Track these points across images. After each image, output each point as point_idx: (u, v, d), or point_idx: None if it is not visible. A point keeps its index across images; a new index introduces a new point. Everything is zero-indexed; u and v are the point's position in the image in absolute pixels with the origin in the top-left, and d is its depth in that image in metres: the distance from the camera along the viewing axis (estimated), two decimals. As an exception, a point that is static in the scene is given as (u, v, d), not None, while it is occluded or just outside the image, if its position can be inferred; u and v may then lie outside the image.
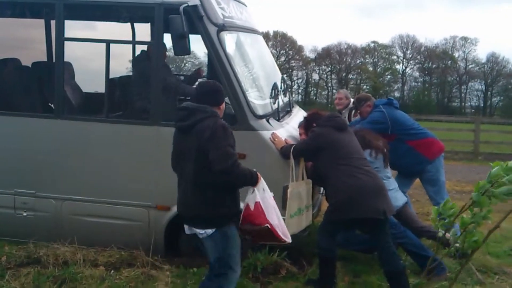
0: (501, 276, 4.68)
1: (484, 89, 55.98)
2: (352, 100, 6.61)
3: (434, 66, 57.16)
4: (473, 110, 53.52)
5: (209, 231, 3.30)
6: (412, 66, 58.60)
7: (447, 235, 4.99)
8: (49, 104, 5.60)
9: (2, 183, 4.99)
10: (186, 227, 3.50)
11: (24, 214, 4.97)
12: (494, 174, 3.49)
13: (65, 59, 4.95)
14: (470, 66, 57.09)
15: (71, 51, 5.07)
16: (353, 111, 6.30)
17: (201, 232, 3.33)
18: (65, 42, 4.80)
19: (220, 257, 3.35)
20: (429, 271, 4.49)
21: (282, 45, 55.69)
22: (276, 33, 54.96)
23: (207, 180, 3.22)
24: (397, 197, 4.78)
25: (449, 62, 57.02)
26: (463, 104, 56.59)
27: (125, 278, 4.29)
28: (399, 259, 4.15)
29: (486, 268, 4.83)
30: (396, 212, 4.70)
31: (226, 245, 3.33)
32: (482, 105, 55.94)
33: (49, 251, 4.62)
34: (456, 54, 57.57)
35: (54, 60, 5.07)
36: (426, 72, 57.43)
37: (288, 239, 3.51)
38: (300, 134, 4.75)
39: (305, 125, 4.65)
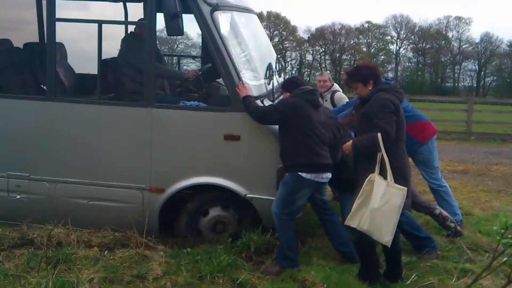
0: (491, 254, 4.75)
1: (477, 69, 56.01)
2: (334, 83, 6.67)
3: (428, 46, 56.99)
4: (465, 90, 53.57)
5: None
6: (406, 46, 58.43)
7: (444, 212, 5.10)
8: (42, 85, 5.55)
9: (-5, 166, 4.97)
10: (325, 175, 4.29)
11: (18, 196, 4.97)
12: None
13: (58, 40, 4.90)
14: (464, 46, 57.00)
15: (63, 32, 5.01)
16: (336, 93, 6.37)
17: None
18: (57, 22, 4.74)
19: None
20: (419, 249, 4.58)
21: (275, 25, 55.24)
22: (269, 14, 54.48)
23: None
24: None
25: (443, 42, 56.85)
26: (456, 84, 56.63)
27: (119, 258, 4.31)
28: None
29: (477, 246, 4.91)
30: None
31: None
32: (475, 85, 56.02)
33: (43, 233, 4.63)
34: (450, 34, 57.42)
35: (46, 41, 5.01)
36: (420, 52, 57.27)
37: None
38: None
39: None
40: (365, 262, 4.08)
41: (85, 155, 4.82)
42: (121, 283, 3.88)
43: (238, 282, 3.91)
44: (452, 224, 5.10)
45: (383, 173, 3.74)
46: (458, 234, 5.08)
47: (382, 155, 3.72)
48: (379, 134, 3.71)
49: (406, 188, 3.72)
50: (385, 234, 3.72)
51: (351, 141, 3.95)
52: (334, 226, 4.58)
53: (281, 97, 4.82)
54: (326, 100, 6.26)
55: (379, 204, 3.67)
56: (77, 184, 4.85)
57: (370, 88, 3.96)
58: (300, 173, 4.24)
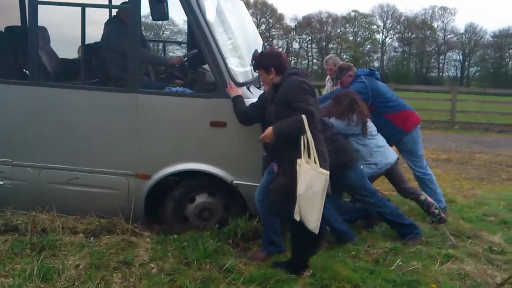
0: (474, 240, 4.83)
1: (461, 59, 56.52)
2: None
3: (413, 36, 57.33)
4: (449, 80, 54.05)
5: None
6: (392, 36, 58.73)
7: (428, 199, 5.18)
8: (24, 70, 5.45)
9: (-23, 151, 4.89)
10: None
11: (1, 182, 4.90)
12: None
13: (40, 24, 4.81)
14: (449, 36, 57.49)
15: (45, 16, 4.92)
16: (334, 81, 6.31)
17: None
18: (39, 5, 4.65)
19: None
20: (404, 236, 4.63)
21: (262, 13, 55.05)
22: (256, 1, 54.21)
23: None
24: (389, 154, 4.98)
25: (428, 32, 57.20)
26: (441, 74, 57.15)
27: (105, 244, 4.29)
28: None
29: (460, 233, 4.98)
30: (388, 169, 4.92)
31: None
32: (459, 75, 56.55)
33: (27, 219, 4.59)
34: (435, 24, 57.79)
35: (28, 25, 4.91)
36: (406, 42, 57.60)
37: None
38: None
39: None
40: (299, 253, 3.95)
41: (69, 140, 4.77)
42: (107, 269, 3.86)
43: (225, 268, 3.91)
44: (436, 211, 5.16)
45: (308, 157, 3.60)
46: (442, 221, 5.15)
47: (307, 138, 3.56)
48: (303, 116, 3.56)
49: (328, 172, 3.59)
50: (311, 221, 3.60)
51: (271, 128, 3.70)
52: (327, 210, 4.56)
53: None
54: (336, 85, 6.19)
55: (304, 190, 3.54)
56: (62, 170, 4.80)
57: (272, 76, 3.86)
58: None
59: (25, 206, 4.76)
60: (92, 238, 4.45)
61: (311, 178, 3.54)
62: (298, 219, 3.62)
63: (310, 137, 3.57)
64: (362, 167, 4.75)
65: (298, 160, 3.57)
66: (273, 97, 3.85)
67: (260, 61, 3.96)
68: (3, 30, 5.70)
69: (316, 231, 3.64)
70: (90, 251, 4.10)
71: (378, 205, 4.72)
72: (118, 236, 4.38)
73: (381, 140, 5.03)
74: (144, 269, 3.87)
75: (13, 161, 4.86)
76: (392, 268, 4.06)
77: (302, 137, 3.57)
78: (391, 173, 5.07)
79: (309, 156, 3.58)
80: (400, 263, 4.14)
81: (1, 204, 4.82)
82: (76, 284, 3.60)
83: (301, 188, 3.55)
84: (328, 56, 7.21)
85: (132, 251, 4.15)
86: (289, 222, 3.85)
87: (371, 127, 4.99)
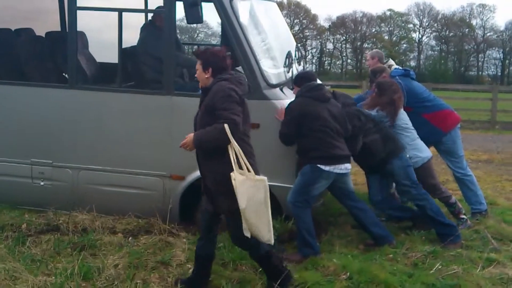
0: (517, 244, 4.67)
1: (502, 57, 54.77)
2: (389, 59, 6.48)
3: (451, 34, 55.91)
4: (489, 79, 52.54)
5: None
6: (429, 34, 57.40)
7: (459, 204, 5.03)
8: (63, 74, 5.61)
9: (19, 153, 5.06)
10: (343, 166, 4.31)
11: (42, 183, 5.05)
12: None
13: (79, 29, 4.94)
14: (488, 34, 55.72)
15: (84, 21, 5.05)
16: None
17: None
18: (78, 11, 4.78)
19: None
20: (442, 237, 4.52)
21: (296, 14, 54.81)
22: (289, 2, 54.06)
23: None
24: (425, 149, 4.92)
25: (467, 30, 55.67)
26: (480, 73, 55.54)
27: (143, 244, 4.37)
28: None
29: (502, 236, 4.83)
30: (422, 164, 4.83)
31: None
32: (499, 73, 54.83)
33: (68, 219, 4.72)
34: (473, 22, 56.16)
35: (67, 30, 5.05)
36: (443, 40, 56.24)
37: None
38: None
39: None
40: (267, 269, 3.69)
41: (106, 142, 4.88)
42: (145, 269, 3.93)
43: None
44: (465, 217, 5.03)
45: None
46: (466, 227, 4.99)
47: (234, 147, 3.29)
48: (226, 125, 3.26)
49: (265, 178, 3.34)
50: (263, 233, 3.33)
51: (191, 135, 3.46)
52: (365, 214, 4.54)
53: (293, 91, 4.75)
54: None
55: (246, 203, 3.26)
56: (99, 171, 4.91)
57: (207, 76, 3.50)
58: (319, 165, 4.23)
59: (65, 206, 4.89)
60: (130, 238, 4.53)
61: (249, 188, 3.27)
62: (248, 235, 3.37)
63: (236, 146, 3.29)
64: (408, 155, 4.70)
65: (232, 174, 3.28)
66: (201, 101, 3.58)
67: (202, 56, 3.58)
68: (43, 35, 5.89)
69: (271, 241, 3.39)
70: (129, 251, 4.18)
71: (419, 198, 4.65)
72: (155, 236, 4.45)
73: (416, 135, 4.94)
74: (181, 269, 3.91)
75: (53, 162, 5.00)
76: (431, 271, 3.96)
77: (229, 148, 3.30)
78: (425, 169, 4.94)
79: (240, 167, 3.32)
80: (440, 267, 4.04)
81: (43, 205, 4.97)
82: (116, 283, 3.67)
83: (242, 202, 3.26)
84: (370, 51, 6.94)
85: (169, 251, 4.21)
86: (236, 242, 3.63)
87: (406, 120, 4.90)
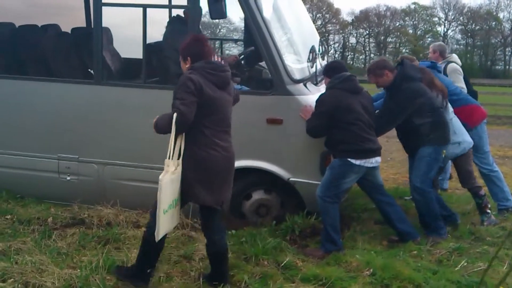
0: (545, 242, 4.57)
1: (530, 51, 53.47)
2: (453, 54, 6.42)
3: (477, 27, 54.73)
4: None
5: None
6: (454, 28, 56.28)
7: (487, 199, 4.96)
8: (89, 69, 5.69)
9: (46, 148, 5.15)
10: (373, 159, 4.27)
11: (68, 178, 5.14)
12: None
13: (104, 25, 4.99)
14: (516, 27, 54.45)
15: (109, 17, 5.10)
16: (449, 64, 6.03)
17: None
18: (103, 7, 4.83)
19: None
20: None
21: (318, 8, 54.35)
22: (312, -4, 53.68)
23: None
24: (467, 135, 4.87)
25: (493, 23, 54.41)
26: (507, 67, 54.29)
27: (166, 239, 4.39)
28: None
29: (530, 234, 4.72)
30: (468, 150, 4.83)
31: None
32: (528, 68, 53.56)
33: (93, 213, 4.79)
34: (501, 15, 54.82)
35: (92, 26, 5.11)
36: (469, 34, 55.10)
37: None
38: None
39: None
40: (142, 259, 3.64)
41: (131, 138, 4.92)
42: (168, 263, 3.96)
43: (282, 264, 3.91)
44: (490, 212, 4.95)
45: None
46: (493, 223, 4.91)
47: (173, 138, 3.27)
48: (174, 115, 3.21)
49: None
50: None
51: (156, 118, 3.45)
52: (393, 208, 4.50)
53: (322, 82, 4.73)
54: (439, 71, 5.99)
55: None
56: (124, 166, 4.97)
57: (187, 66, 3.44)
58: (349, 159, 4.19)
59: (90, 200, 4.97)
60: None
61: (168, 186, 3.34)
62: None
63: (172, 138, 3.28)
64: (444, 151, 4.60)
65: (160, 177, 3.28)
66: None
67: (180, 48, 3.53)
68: (69, 32, 5.97)
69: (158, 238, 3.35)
70: (152, 245, 4.20)
71: (421, 192, 4.57)
72: (178, 231, 4.48)
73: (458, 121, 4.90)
74: (204, 263, 3.94)
75: (79, 157, 5.08)
76: (456, 268, 3.91)
77: (172, 137, 3.28)
78: (462, 156, 4.88)
79: (178, 158, 3.33)
80: (465, 264, 3.98)
81: (68, 199, 5.06)
82: (139, 276, 3.70)
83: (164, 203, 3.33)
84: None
85: (192, 245, 4.23)
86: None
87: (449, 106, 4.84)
